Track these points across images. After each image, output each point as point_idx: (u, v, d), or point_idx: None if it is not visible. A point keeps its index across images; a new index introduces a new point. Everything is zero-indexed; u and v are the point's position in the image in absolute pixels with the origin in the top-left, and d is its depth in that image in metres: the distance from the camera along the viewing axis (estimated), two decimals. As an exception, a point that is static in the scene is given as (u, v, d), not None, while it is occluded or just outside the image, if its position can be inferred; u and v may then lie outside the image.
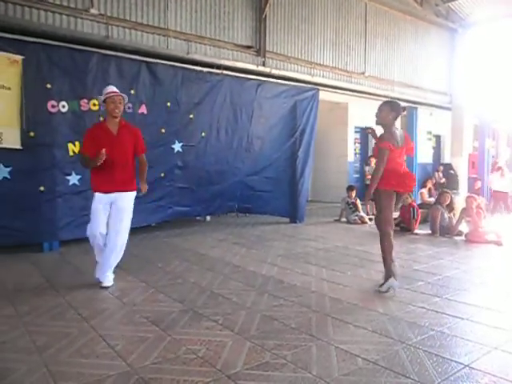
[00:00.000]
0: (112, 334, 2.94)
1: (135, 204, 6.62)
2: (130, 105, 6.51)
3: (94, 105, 6.13)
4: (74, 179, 6.03)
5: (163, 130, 6.88)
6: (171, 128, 6.95)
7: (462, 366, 2.45)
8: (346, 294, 3.88)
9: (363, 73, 9.53)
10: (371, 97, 10.41)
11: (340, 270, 4.80)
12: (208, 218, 8.48)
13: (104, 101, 4.02)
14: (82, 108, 6.04)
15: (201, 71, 7.23)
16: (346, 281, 4.33)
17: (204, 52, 7.46)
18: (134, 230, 6.70)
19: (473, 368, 2.43)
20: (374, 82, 9.80)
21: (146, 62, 6.66)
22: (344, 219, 8.87)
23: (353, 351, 2.65)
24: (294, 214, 8.39)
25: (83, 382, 2.29)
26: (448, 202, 7.36)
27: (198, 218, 8.38)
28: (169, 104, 6.92)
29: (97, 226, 4.00)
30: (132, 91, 6.52)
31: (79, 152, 5.27)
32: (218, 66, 7.58)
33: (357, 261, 5.26)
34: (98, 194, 4.01)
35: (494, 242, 6.43)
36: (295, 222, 8.33)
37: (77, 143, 6.03)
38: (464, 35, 11.20)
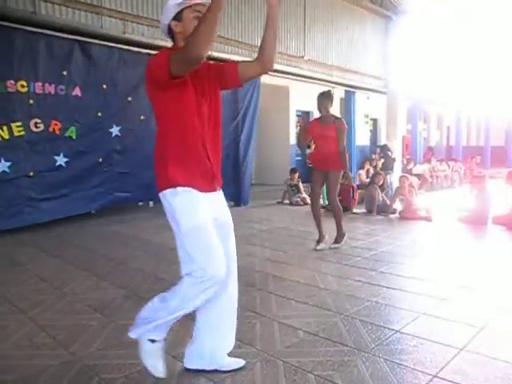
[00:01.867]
0: (53, 324, 2.85)
1: (73, 191, 6.43)
2: (62, 87, 6.20)
3: (23, 86, 5.77)
4: (3, 166, 5.69)
5: (100, 114, 6.63)
6: (108, 111, 6.71)
7: (394, 332, 2.65)
8: (288, 272, 4.02)
9: (302, 57, 9.68)
10: (311, 81, 10.61)
11: (282, 249, 4.95)
12: (151, 203, 8.32)
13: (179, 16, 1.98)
14: (9, 89, 5.66)
15: (138, 52, 6.99)
16: (289, 260, 4.47)
17: (141, 32, 7.20)
18: (73, 218, 6.50)
19: (403, 333, 2.64)
20: (313, 66, 10.00)
21: (78, 41, 6.34)
22: (287, 201, 9.08)
23: (295, 325, 2.77)
24: (238, 198, 8.47)
25: (23, 374, 2.21)
26: (382, 183, 7.77)
27: (140, 203, 8.20)
28: (105, 86, 6.66)
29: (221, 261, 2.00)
30: (64, 72, 6.21)
31: None
32: (157, 48, 7.35)
33: (299, 240, 5.44)
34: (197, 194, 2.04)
35: (425, 217, 6.89)
36: (239, 205, 8.42)
37: (4, 127, 5.66)
38: (397, 22, 11.69)
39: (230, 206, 8.65)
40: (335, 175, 4.96)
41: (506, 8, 12.32)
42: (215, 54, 7.85)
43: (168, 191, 1.98)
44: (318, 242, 4.99)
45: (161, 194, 2.03)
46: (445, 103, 19.06)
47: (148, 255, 4.71)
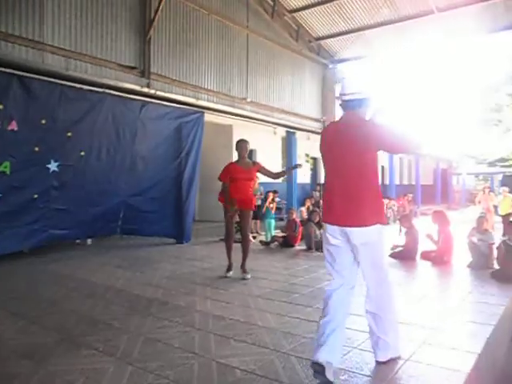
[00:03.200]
0: (-26, 373, 2.68)
1: (5, 228, 6.11)
2: (-3, 121, 6.00)
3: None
4: None
5: (37, 149, 6.46)
6: (46, 146, 6.55)
7: (327, 367, 2.76)
8: (228, 310, 4.05)
9: (245, 98, 10.07)
10: (254, 121, 11.02)
11: (223, 287, 4.98)
12: (89, 241, 8.06)
13: None
14: None
15: (81, 89, 6.97)
16: (229, 298, 4.51)
17: (85, 70, 7.21)
18: (3, 258, 6.14)
19: (335, 367, 2.76)
20: (255, 108, 10.41)
21: (17, 75, 6.22)
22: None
23: (232, 364, 2.81)
24: (180, 235, 8.42)
25: None
26: (318, 220, 8.09)
27: (77, 241, 7.91)
28: (44, 121, 6.53)
29: None
30: (0, 106, 6.03)
31: None
32: (101, 85, 7.37)
33: (240, 278, 5.50)
34: None
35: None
36: (182, 243, 8.36)
37: None
38: (333, 69, 12.57)
39: (172, 244, 8.67)
40: (249, 213, 5.64)
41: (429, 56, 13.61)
42: (160, 94, 7.98)
43: (380, 226, 2.70)
44: (228, 270, 5.64)
45: (373, 227, 2.65)
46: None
47: (83, 296, 4.55)
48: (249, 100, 10.13)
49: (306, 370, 2.69)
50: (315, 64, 12.40)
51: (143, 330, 3.50)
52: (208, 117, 9.44)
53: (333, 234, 2.76)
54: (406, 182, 27.49)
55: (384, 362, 2.75)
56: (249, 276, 5.52)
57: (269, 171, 5.65)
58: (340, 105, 2.90)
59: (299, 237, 8.32)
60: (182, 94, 8.47)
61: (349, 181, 2.68)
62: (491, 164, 20.17)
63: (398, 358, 2.80)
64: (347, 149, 2.70)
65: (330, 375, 2.45)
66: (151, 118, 7.97)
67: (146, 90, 8.00)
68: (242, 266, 5.62)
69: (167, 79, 8.26)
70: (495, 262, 5.89)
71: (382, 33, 10.56)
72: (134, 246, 8.12)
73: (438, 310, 4.17)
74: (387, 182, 23.39)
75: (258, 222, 10.32)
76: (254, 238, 9.39)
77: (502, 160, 13.85)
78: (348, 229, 2.66)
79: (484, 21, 9.63)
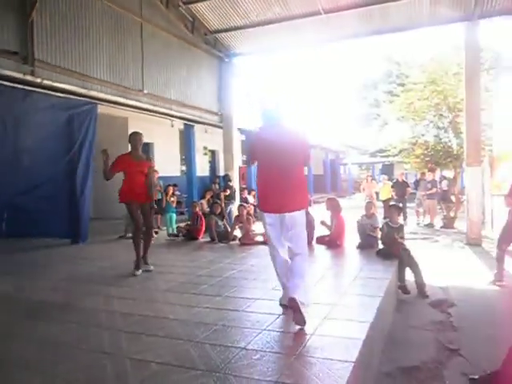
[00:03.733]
0: None
1: None
2: None
3: None
4: None
5: None
6: None
7: (240, 349, 2.90)
8: (136, 307, 3.97)
9: (141, 90, 9.75)
10: (151, 114, 10.73)
11: (128, 285, 4.85)
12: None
13: None
14: None
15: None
16: (136, 294, 4.42)
17: None
18: None
19: (248, 349, 2.91)
20: (152, 100, 10.13)
21: None
22: (130, 234, 8.84)
23: (147, 358, 2.79)
24: (75, 234, 7.92)
25: None
26: (219, 211, 8.24)
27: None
28: None
29: None
30: None
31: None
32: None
33: (145, 274, 5.40)
34: None
35: (262, 242, 7.53)
36: (78, 243, 7.88)
37: None
38: (230, 63, 12.72)
39: (67, 245, 8.15)
40: (148, 206, 5.65)
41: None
42: (47, 83, 7.37)
43: (304, 210, 3.71)
44: (137, 267, 5.43)
45: (302, 211, 3.65)
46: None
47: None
48: (145, 92, 9.82)
49: (222, 356, 2.79)
50: (212, 57, 12.44)
51: (48, 335, 3.28)
52: (102, 109, 8.96)
53: (272, 218, 3.64)
54: (299, 173, 29.07)
55: (294, 306, 3.26)
56: (151, 268, 5.53)
57: (151, 179, 5.62)
58: (265, 115, 3.74)
59: (202, 229, 8.38)
60: (72, 84, 7.90)
61: (288, 177, 3.58)
62: (372, 154, 22.32)
63: (304, 303, 3.40)
64: (287, 152, 3.58)
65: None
66: (37, 108, 7.31)
67: (29, 78, 7.28)
68: (144, 258, 5.58)
69: (55, 67, 7.63)
70: (379, 242, 6.59)
71: (276, 30, 10.97)
72: (24, 249, 7.43)
73: (334, 287, 4.58)
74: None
75: (159, 216, 10.14)
76: (156, 233, 9.22)
77: (382, 151, 15.42)
78: (286, 214, 3.58)
79: (362, 24, 10.58)
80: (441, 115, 12.31)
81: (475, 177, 9.77)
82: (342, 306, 3.80)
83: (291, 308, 3.29)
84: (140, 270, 5.43)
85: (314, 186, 25.26)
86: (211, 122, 12.99)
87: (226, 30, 11.60)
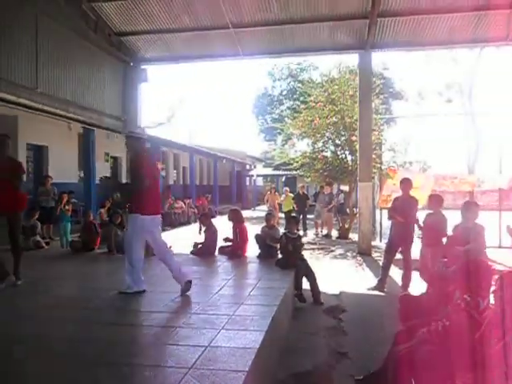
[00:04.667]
0: None
1: None
2: None
3: None
4: None
5: None
6: None
7: (132, 366, 2.75)
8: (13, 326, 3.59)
9: (35, 88, 8.98)
10: (46, 114, 9.95)
11: (6, 300, 4.39)
12: None
13: None
14: None
15: None
16: (18, 311, 4.00)
17: None
18: None
19: (141, 364, 2.77)
20: (47, 100, 9.38)
21: None
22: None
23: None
24: None
25: None
26: (120, 221, 7.88)
27: None
28: None
29: None
30: None
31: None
32: None
33: (30, 288, 4.92)
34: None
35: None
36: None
37: None
38: (136, 68, 12.27)
39: None
40: (14, 216, 5.05)
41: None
42: None
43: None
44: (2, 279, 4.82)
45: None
46: (180, 145, 21.00)
47: None
48: (39, 90, 9.05)
49: (112, 375, 2.63)
50: (117, 60, 11.89)
51: None
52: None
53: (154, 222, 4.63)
54: (205, 183, 29.08)
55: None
56: (20, 282, 4.98)
57: (15, 183, 5.04)
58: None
59: (98, 239, 7.92)
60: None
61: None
62: (277, 167, 23.15)
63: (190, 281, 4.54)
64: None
65: None
66: None
67: None
68: (15, 272, 5.01)
69: None
70: (279, 252, 6.80)
71: (188, 39, 10.89)
72: None
73: (233, 297, 4.61)
74: (188, 182, 24.28)
75: (51, 226, 9.38)
76: (48, 244, 8.53)
77: (285, 164, 16.05)
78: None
79: (269, 43, 11.00)
80: (338, 133, 13.18)
81: (366, 192, 10.62)
82: (239, 316, 3.83)
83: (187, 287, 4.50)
84: (3, 284, 4.79)
85: (219, 196, 25.40)
86: (113, 127, 12.42)
87: (133, 34, 11.24)
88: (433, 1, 9.21)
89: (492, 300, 2.78)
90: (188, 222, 16.39)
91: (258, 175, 33.67)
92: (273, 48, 11.37)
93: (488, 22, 9.61)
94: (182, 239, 9.25)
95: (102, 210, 10.18)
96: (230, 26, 10.30)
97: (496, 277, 2.80)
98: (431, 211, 6.13)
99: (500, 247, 9.56)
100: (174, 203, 16.57)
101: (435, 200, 6.20)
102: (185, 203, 17.42)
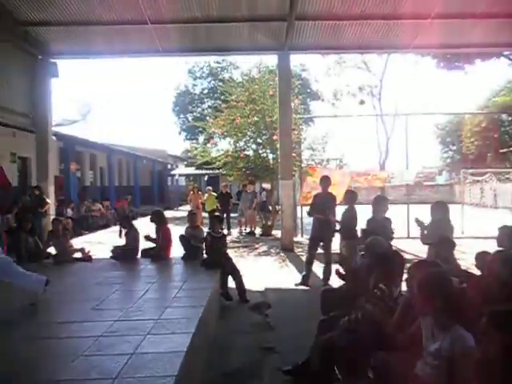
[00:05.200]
0: None
1: None
2: None
3: None
4: None
5: None
6: None
7: (53, 383, 2.57)
8: None
9: None
10: None
11: None
12: None
13: None
14: None
15: None
16: None
17: None
18: None
19: (61, 380, 2.60)
20: None
21: None
22: None
23: None
24: None
25: None
26: (30, 227, 7.30)
27: None
28: None
29: None
30: None
31: None
32: None
33: None
34: None
35: (83, 258, 6.92)
36: None
37: None
38: (46, 62, 11.38)
39: None
40: None
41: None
42: None
43: None
44: None
45: None
46: (97, 145, 19.97)
47: None
48: None
49: None
50: (23, 53, 10.95)
51: None
52: None
53: None
54: (125, 184, 27.95)
55: None
56: None
57: None
58: None
59: (5, 248, 7.25)
60: None
61: None
62: (199, 166, 22.91)
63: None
64: None
65: None
66: None
67: None
68: None
69: None
70: (204, 253, 6.75)
71: (104, 33, 10.34)
72: None
73: (159, 301, 4.50)
74: (106, 183, 23.19)
75: None
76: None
77: (207, 163, 15.98)
78: None
79: (188, 41, 10.87)
80: (259, 132, 13.42)
81: (288, 189, 10.94)
82: (165, 320, 3.74)
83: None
84: None
85: (140, 197, 24.60)
86: (19, 124, 11.44)
87: (42, 24, 10.40)
88: (347, 8, 9.72)
89: (404, 287, 3.03)
90: (107, 225, 15.68)
91: (180, 175, 33.16)
92: (193, 46, 11.26)
93: (395, 31, 10.42)
94: (101, 243, 8.81)
95: (10, 216, 9.36)
96: (149, 23, 9.99)
97: (408, 265, 3.05)
98: (347, 206, 6.52)
99: (408, 237, 10.39)
100: (90, 205, 15.75)
101: (350, 196, 6.62)
102: (103, 205, 16.64)
